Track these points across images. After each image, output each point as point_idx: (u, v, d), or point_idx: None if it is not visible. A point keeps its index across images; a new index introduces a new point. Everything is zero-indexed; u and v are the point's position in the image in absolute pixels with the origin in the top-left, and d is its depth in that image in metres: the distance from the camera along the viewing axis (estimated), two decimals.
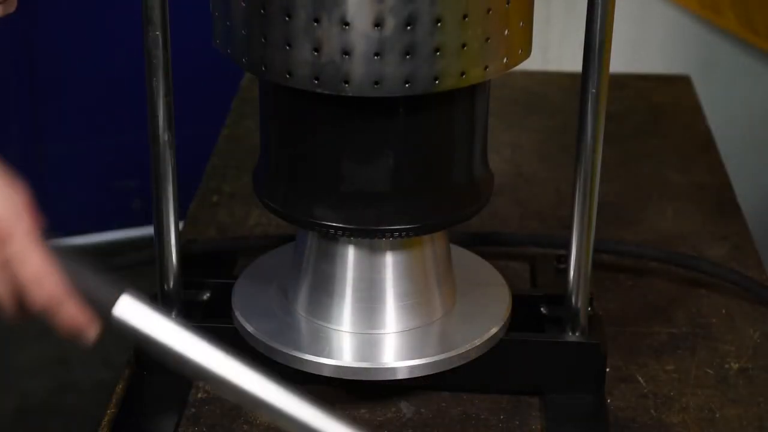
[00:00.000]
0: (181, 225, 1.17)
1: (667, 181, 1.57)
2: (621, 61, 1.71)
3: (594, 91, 1.05)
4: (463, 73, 0.98)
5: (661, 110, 1.78)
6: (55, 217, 3.19)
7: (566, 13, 2.59)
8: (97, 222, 2.97)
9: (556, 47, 2.62)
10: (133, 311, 0.83)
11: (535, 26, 1.07)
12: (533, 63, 1.08)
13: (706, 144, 1.67)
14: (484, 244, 1.36)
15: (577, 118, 1.07)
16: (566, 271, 1.12)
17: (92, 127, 2.88)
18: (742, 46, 2.34)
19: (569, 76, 1.88)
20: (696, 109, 1.78)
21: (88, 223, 2.96)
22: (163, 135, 1.09)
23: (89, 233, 2.96)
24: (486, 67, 1.00)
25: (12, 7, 1.06)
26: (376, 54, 0.95)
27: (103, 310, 0.83)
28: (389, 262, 1.10)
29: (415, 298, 1.11)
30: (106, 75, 2.81)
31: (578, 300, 1.12)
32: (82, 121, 2.86)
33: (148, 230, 1.42)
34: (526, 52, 1.04)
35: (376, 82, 0.96)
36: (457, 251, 1.22)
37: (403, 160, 1.03)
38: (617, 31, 1.06)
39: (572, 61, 1.69)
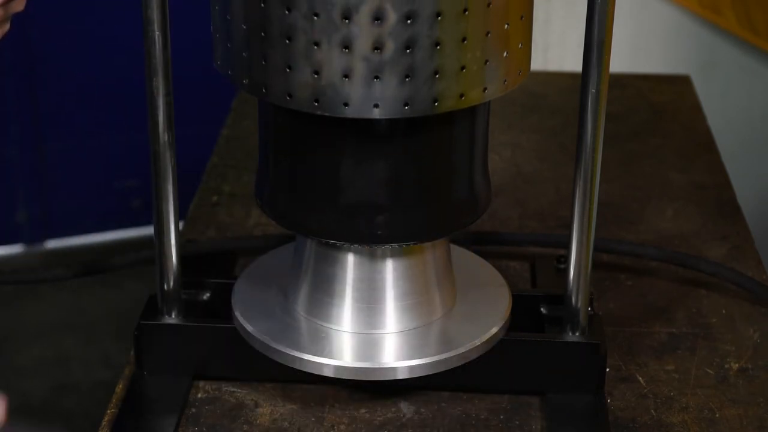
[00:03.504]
0: (181, 225, 1.17)
1: (667, 181, 1.57)
2: (621, 61, 1.71)
3: (594, 91, 1.05)
4: (462, 95, 0.99)
5: (661, 110, 1.78)
6: (56, 217, 3.19)
7: (566, 13, 2.59)
8: (97, 222, 2.97)
9: (556, 47, 2.62)
10: None
11: (535, 26, 1.07)
12: (533, 63, 1.08)
13: (706, 144, 1.67)
14: (484, 244, 1.36)
15: (577, 118, 1.07)
16: (566, 271, 1.12)
17: (92, 127, 2.88)
18: (742, 46, 2.34)
19: (569, 76, 1.88)
20: (696, 109, 1.78)
21: (88, 223, 2.96)
22: (163, 135, 1.09)
23: (89, 233, 2.96)
24: (485, 89, 1.00)
25: (21, 5, 1.06)
26: (376, 77, 0.96)
27: None
28: (389, 262, 1.10)
29: (415, 298, 1.11)
30: (106, 75, 2.81)
31: (578, 300, 1.12)
32: (82, 121, 2.86)
33: (148, 230, 1.42)
34: (526, 72, 1.04)
35: (376, 105, 0.97)
36: (457, 251, 1.22)
37: (403, 179, 1.04)
38: (617, 31, 1.06)
39: (572, 61, 1.69)
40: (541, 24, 2.56)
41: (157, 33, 1.05)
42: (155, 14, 1.04)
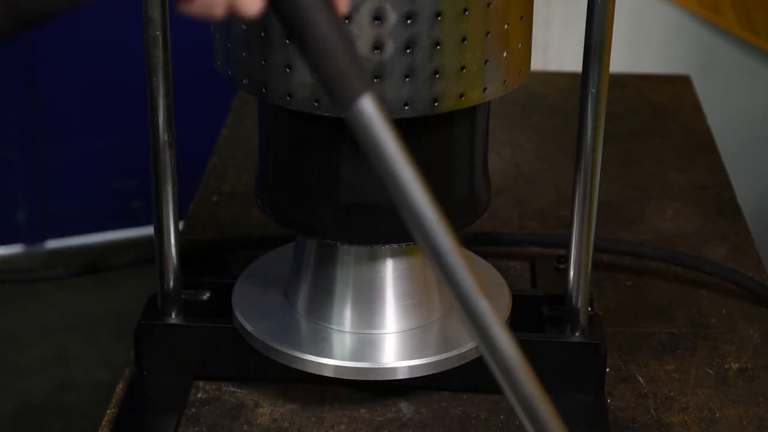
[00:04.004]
0: (181, 225, 1.17)
1: (667, 181, 1.57)
2: (621, 61, 1.71)
3: (594, 91, 1.05)
4: (462, 95, 0.99)
5: (661, 110, 1.78)
6: (55, 217, 3.18)
7: (566, 13, 2.59)
8: (97, 222, 2.97)
9: (556, 47, 2.62)
10: (371, 111, 0.76)
11: (535, 26, 1.07)
12: (533, 63, 1.08)
13: (706, 144, 1.67)
14: (484, 244, 1.36)
15: (577, 118, 1.07)
16: (566, 271, 1.12)
17: (92, 127, 2.88)
18: (742, 46, 2.34)
19: (569, 76, 1.88)
20: (696, 109, 1.78)
21: (88, 223, 2.96)
22: (163, 135, 1.09)
23: (89, 233, 2.96)
24: (485, 89, 1.00)
25: None
26: (376, 77, 0.96)
27: (344, 94, 0.76)
28: (389, 262, 1.10)
29: (415, 298, 1.11)
30: (106, 75, 2.81)
31: (578, 300, 1.12)
32: (82, 121, 2.86)
33: (148, 230, 1.42)
34: (526, 72, 1.04)
35: None
36: None
37: None
38: (617, 31, 1.06)
39: (572, 61, 1.69)
40: (541, 24, 2.56)
41: (157, 33, 1.05)
42: (155, 14, 1.04)
